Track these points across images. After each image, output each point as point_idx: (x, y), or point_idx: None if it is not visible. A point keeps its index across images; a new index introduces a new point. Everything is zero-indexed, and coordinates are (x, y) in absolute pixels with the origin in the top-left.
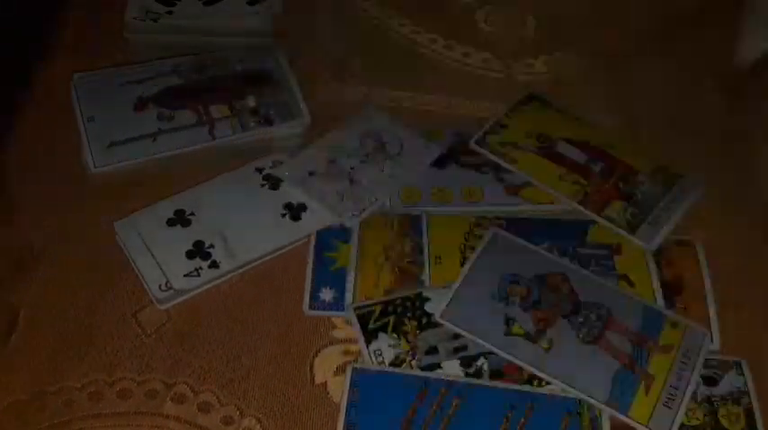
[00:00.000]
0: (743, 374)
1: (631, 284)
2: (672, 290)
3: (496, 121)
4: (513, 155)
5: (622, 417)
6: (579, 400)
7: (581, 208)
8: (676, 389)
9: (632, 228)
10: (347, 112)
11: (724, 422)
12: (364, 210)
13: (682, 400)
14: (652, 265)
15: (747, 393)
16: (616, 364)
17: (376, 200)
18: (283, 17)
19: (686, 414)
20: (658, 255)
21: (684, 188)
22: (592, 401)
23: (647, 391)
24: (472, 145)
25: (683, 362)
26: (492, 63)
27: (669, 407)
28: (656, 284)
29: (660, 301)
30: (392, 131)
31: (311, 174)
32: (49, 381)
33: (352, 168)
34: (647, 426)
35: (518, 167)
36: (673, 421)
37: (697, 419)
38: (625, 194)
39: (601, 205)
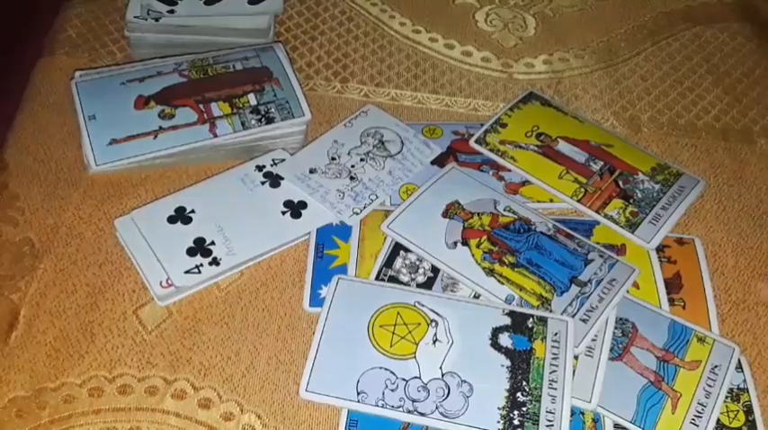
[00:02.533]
0: (742, 371)
1: (636, 286)
2: (671, 286)
3: (496, 120)
4: (512, 153)
5: None
6: None
7: (581, 206)
8: (704, 406)
9: (632, 227)
10: (348, 111)
11: (723, 419)
12: (365, 207)
13: (709, 418)
14: (656, 266)
15: (746, 390)
16: (642, 381)
17: (377, 197)
18: (284, 16)
19: None
20: (658, 252)
21: (684, 186)
22: (618, 420)
23: (673, 409)
24: (472, 143)
25: (710, 379)
26: (492, 62)
27: (696, 425)
28: (661, 285)
29: (664, 302)
30: (393, 130)
31: (312, 171)
32: (49, 378)
33: (352, 166)
34: None
35: (518, 166)
36: None
37: None
38: (625, 193)
39: (601, 204)
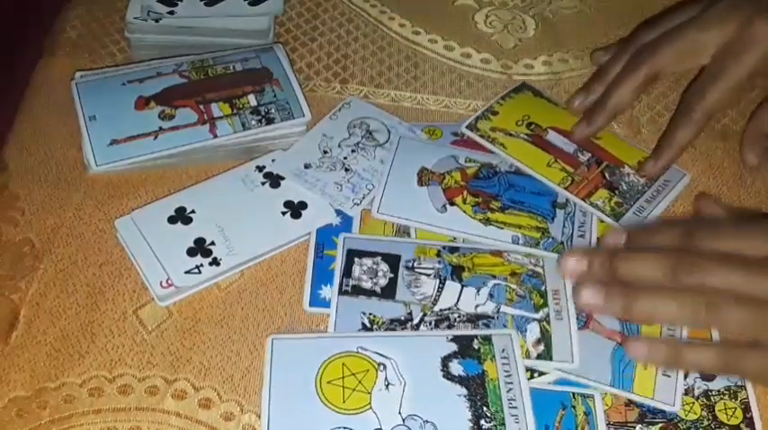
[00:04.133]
0: None
1: None
2: None
3: (488, 107)
4: (502, 140)
5: (629, 395)
6: (573, 394)
7: (568, 193)
8: None
9: (617, 217)
10: None
11: (721, 417)
12: (364, 197)
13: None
14: None
15: (744, 388)
16: (611, 344)
17: (373, 187)
18: (284, 18)
19: (683, 408)
20: None
21: (669, 180)
22: (598, 385)
23: (645, 365)
24: (463, 129)
25: (669, 328)
26: (491, 64)
27: (668, 376)
28: None
29: None
30: (377, 119)
31: (307, 166)
32: (50, 378)
33: (345, 158)
34: (653, 399)
35: (507, 152)
36: (675, 389)
37: (694, 414)
38: (610, 184)
39: (587, 193)
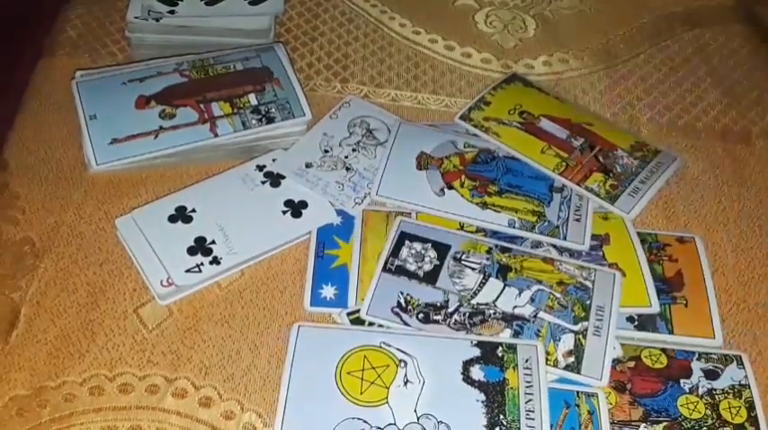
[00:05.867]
0: (743, 368)
1: (623, 273)
2: (673, 285)
3: (480, 98)
4: (496, 129)
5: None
6: (577, 393)
7: (563, 179)
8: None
9: (612, 199)
10: None
11: (726, 415)
12: (365, 196)
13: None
14: (640, 253)
15: (748, 386)
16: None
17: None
18: (284, 17)
19: (688, 407)
20: (659, 251)
21: (662, 162)
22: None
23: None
24: (457, 120)
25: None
26: (492, 64)
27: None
28: (646, 270)
29: (651, 287)
30: (377, 118)
31: (308, 166)
32: (50, 377)
33: (346, 157)
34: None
35: (501, 141)
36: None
37: (698, 412)
38: (605, 167)
39: (582, 177)
